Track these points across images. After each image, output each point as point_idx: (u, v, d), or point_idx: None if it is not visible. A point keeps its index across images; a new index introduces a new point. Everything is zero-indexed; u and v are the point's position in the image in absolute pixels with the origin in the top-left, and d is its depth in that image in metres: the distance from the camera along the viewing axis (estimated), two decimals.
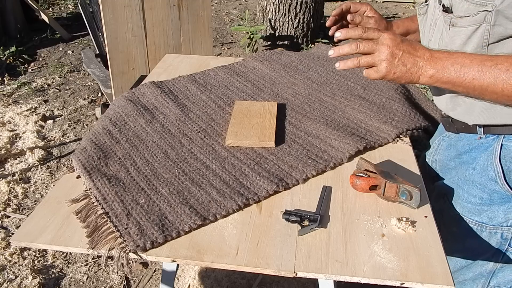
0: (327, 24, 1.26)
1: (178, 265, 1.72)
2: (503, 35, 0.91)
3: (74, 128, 3.08)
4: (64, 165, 2.69)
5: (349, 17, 1.23)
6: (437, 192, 1.16)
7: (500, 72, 0.85)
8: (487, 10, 0.89)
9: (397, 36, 0.93)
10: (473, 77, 0.87)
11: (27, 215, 2.08)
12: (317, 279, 0.97)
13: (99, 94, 3.48)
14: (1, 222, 2.25)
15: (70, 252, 2.06)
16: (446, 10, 1.00)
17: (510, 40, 0.92)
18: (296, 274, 0.84)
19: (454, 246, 1.08)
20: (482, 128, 1.04)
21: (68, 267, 2.02)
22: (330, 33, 1.22)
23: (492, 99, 0.91)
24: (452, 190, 1.12)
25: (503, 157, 1.01)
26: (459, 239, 1.10)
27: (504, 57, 0.87)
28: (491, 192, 1.04)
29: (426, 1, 1.13)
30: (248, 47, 4.01)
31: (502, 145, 1.01)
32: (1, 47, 4.02)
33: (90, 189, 1.03)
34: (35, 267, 2.00)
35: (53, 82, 3.69)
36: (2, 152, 2.75)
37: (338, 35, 0.94)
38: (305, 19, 4.07)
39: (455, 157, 1.13)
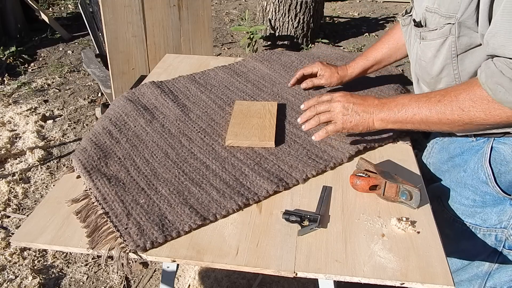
0: (290, 85, 1.48)
1: (178, 265, 1.72)
2: (469, 45, 0.96)
3: (74, 128, 3.08)
4: (64, 165, 2.69)
5: (303, 85, 1.42)
6: (431, 195, 1.17)
7: (433, 104, 0.94)
8: (451, 23, 0.94)
9: (347, 93, 1.08)
10: (413, 113, 0.97)
11: (27, 215, 2.08)
12: (317, 279, 0.97)
13: (99, 94, 3.48)
14: (1, 222, 2.25)
15: (70, 252, 2.06)
16: (417, 24, 1.07)
17: (477, 49, 0.95)
18: (296, 274, 0.84)
19: (448, 248, 1.09)
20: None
21: (68, 267, 2.02)
22: (291, 84, 1.49)
23: (440, 129, 0.98)
24: (446, 193, 1.12)
25: (493, 159, 1.01)
26: (453, 241, 1.10)
27: (436, 92, 0.97)
28: (483, 194, 1.04)
29: (408, 13, 1.14)
30: (248, 47, 4.01)
31: (492, 147, 1.02)
32: (1, 47, 4.02)
33: (90, 189, 1.03)
34: (35, 267, 2.00)
35: (53, 82, 3.69)
36: (2, 152, 2.75)
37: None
38: (305, 19, 4.07)
39: (448, 160, 1.13)
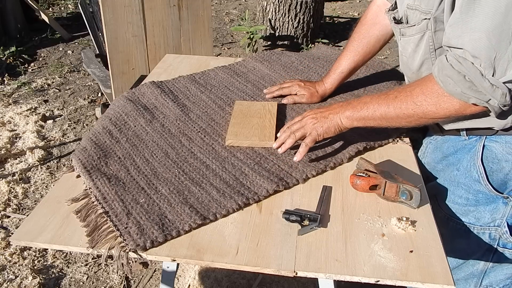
0: (267, 97, 1.44)
1: (178, 265, 1.72)
2: None
3: (74, 128, 3.08)
4: (64, 165, 2.69)
5: (284, 101, 1.40)
6: (428, 194, 1.17)
7: (390, 101, 0.99)
8: (427, 18, 0.98)
9: (315, 109, 1.13)
10: (374, 110, 1.02)
11: (27, 215, 2.08)
12: (317, 279, 0.97)
13: (99, 94, 3.48)
14: (1, 222, 2.25)
15: (70, 252, 2.06)
16: (398, 21, 1.10)
17: None
18: (296, 274, 0.84)
19: (443, 246, 1.10)
20: (464, 130, 1.06)
21: (68, 267, 2.02)
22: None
23: (399, 124, 1.02)
24: (440, 192, 1.13)
25: (485, 157, 1.02)
26: (448, 240, 1.11)
27: (395, 88, 1.03)
28: (476, 193, 1.05)
29: (394, 9, 1.14)
30: (248, 47, 4.01)
31: (484, 146, 1.03)
32: (1, 47, 4.02)
33: (90, 188, 1.03)
34: (35, 267, 2.00)
35: (53, 82, 3.69)
36: (2, 152, 2.75)
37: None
38: (305, 19, 4.07)
39: (442, 159, 1.14)
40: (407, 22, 1.06)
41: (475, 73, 0.85)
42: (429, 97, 0.94)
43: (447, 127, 1.10)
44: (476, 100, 0.88)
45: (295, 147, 1.10)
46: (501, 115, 0.93)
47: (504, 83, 0.85)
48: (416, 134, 1.26)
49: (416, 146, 1.27)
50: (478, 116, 0.97)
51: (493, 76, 0.85)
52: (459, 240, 1.11)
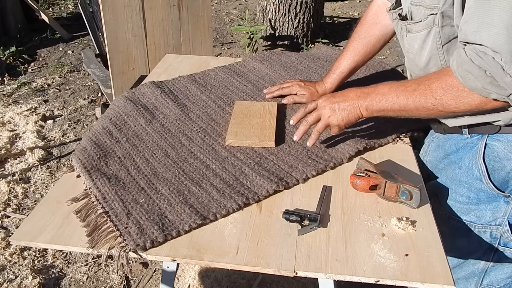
0: (267, 97, 1.44)
1: (178, 265, 1.72)
2: (452, 34, 0.99)
3: (74, 128, 3.08)
4: (64, 165, 2.69)
5: (284, 101, 1.40)
6: (428, 192, 1.17)
7: (409, 93, 0.98)
8: (434, 13, 0.97)
9: (328, 95, 1.12)
10: (393, 102, 1.01)
11: (27, 215, 2.09)
12: (317, 279, 0.97)
13: (99, 94, 3.48)
14: (1, 222, 2.25)
15: (70, 252, 2.06)
16: (403, 18, 1.09)
17: None
18: (296, 274, 0.84)
19: (444, 245, 1.10)
20: (466, 128, 1.06)
21: (68, 267, 2.02)
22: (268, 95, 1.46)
23: (418, 116, 1.02)
24: (442, 190, 1.13)
25: (487, 156, 1.02)
26: (449, 239, 1.11)
27: (412, 80, 1.02)
28: (478, 191, 1.05)
29: (396, 8, 1.14)
30: (248, 47, 4.01)
31: (486, 144, 1.03)
32: (1, 47, 4.02)
33: (90, 188, 1.03)
34: (35, 267, 2.00)
35: (53, 82, 3.69)
36: (2, 152, 2.75)
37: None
38: (305, 19, 4.07)
39: (444, 158, 1.14)
40: (412, 19, 1.05)
41: (497, 68, 0.83)
42: (449, 92, 0.92)
43: (450, 123, 1.09)
44: (497, 96, 0.86)
45: (295, 149, 1.10)
46: (505, 109, 0.92)
47: None
48: (418, 134, 1.26)
49: (417, 145, 1.27)
50: (499, 111, 0.95)
51: None
52: (460, 239, 1.11)
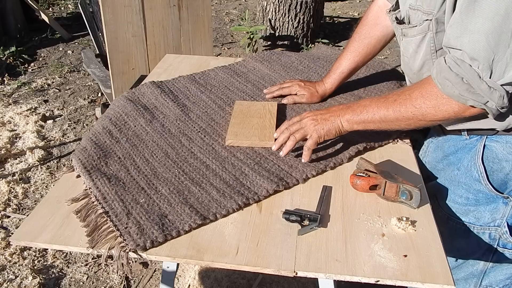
0: (267, 97, 1.43)
1: (178, 265, 1.72)
2: None
3: (74, 128, 3.08)
4: (64, 165, 2.69)
5: (284, 101, 1.39)
6: (428, 193, 1.18)
7: (390, 104, 1.00)
8: (429, 19, 0.99)
9: (314, 110, 1.13)
10: (373, 113, 1.02)
11: (27, 215, 2.09)
12: (317, 279, 0.97)
13: (99, 94, 3.48)
14: (1, 222, 2.25)
15: (70, 252, 2.06)
16: (400, 22, 1.10)
17: None
18: (296, 274, 0.84)
19: (444, 245, 1.10)
20: (466, 130, 1.06)
21: (68, 267, 2.02)
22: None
23: (398, 127, 1.03)
24: (441, 191, 1.13)
25: (486, 157, 1.03)
26: (448, 240, 1.11)
27: (394, 92, 1.03)
28: (476, 193, 1.05)
29: (395, 10, 1.14)
30: (248, 47, 4.01)
31: (485, 145, 1.03)
32: (1, 47, 4.01)
33: (90, 188, 1.03)
34: (35, 267, 2.00)
35: (53, 82, 3.69)
36: (2, 152, 2.75)
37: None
38: (305, 19, 4.07)
39: (443, 159, 1.14)
40: (409, 23, 1.06)
41: (473, 75, 0.86)
42: (428, 99, 0.94)
43: (449, 127, 1.10)
44: (473, 102, 0.88)
45: (295, 149, 1.10)
46: (499, 116, 0.93)
47: (501, 85, 0.85)
48: (417, 135, 1.26)
49: (416, 146, 1.27)
50: (478, 118, 0.97)
51: (490, 78, 0.85)
52: (459, 240, 1.11)
